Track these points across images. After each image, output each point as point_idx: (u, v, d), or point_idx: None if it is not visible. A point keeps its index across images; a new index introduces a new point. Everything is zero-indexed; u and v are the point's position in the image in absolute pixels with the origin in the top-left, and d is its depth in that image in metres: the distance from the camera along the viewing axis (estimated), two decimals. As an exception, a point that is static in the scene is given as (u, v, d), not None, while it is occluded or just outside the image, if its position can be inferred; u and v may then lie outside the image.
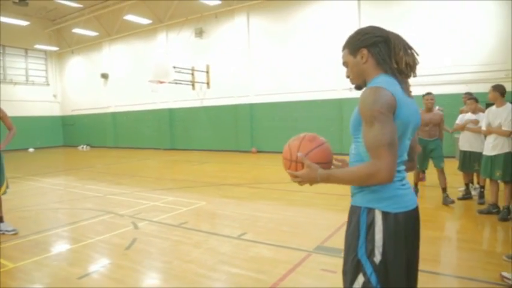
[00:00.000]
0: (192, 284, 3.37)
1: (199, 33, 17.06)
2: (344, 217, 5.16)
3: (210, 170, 11.18)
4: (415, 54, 1.65)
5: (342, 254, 1.73)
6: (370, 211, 1.58)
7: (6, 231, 5.10)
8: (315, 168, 1.59)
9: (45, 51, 24.13)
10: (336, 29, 12.87)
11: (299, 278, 3.39)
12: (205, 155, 15.49)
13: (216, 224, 5.36)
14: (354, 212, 1.65)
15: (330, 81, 13.39)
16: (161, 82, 15.23)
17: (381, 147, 1.45)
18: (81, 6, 19.63)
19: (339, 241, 4.22)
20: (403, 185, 1.63)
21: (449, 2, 11.46)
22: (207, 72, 17.03)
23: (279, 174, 9.94)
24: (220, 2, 15.64)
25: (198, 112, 17.66)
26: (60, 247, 4.59)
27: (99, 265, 3.91)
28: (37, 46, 22.63)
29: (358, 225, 1.61)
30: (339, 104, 13.31)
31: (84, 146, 22.37)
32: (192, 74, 17.16)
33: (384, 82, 1.55)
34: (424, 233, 4.61)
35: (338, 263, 3.65)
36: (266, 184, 8.32)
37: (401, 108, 1.51)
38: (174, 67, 15.61)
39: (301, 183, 1.66)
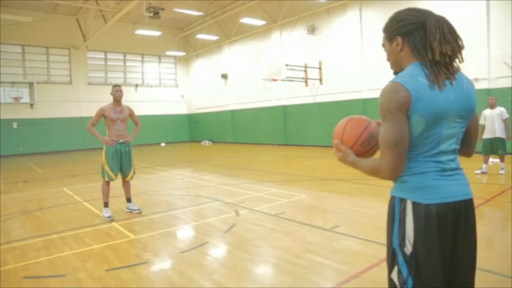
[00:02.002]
0: (275, 267, 3.59)
1: (312, 30, 17.18)
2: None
3: (319, 165, 11.27)
4: (457, 41, 1.53)
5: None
6: (403, 201, 1.57)
7: (133, 210, 6.03)
8: (348, 153, 1.70)
9: (174, 57, 27.05)
10: (458, 20, 11.75)
11: (381, 273, 3.34)
12: (317, 151, 15.59)
13: (311, 215, 5.48)
14: (391, 201, 1.66)
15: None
16: (274, 80, 15.80)
17: (386, 147, 1.49)
18: (202, 13, 21.45)
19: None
20: (446, 175, 1.55)
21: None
22: (320, 68, 17.06)
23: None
24: (332, -3, 15.53)
25: (311, 108, 17.81)
26: (172, 226, 5.25)
27: (200, 243, 4.38)
28: (168, 52, 25.58)
29: (393, 214, 1.61)
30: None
31: (207, 142, 24.44)
32: (305, 71, 17.38)
33: (406, 76, 1.51)
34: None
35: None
36: (372, 180, 8.08)
37: (419, 102, 1.45)
38: (287, 65, 16.02)
39: (339, 159, 1.77)
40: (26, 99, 20.68)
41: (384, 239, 4.14)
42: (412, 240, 1.51)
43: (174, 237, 4.73)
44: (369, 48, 15.04)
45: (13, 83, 20.46)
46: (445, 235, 1.51)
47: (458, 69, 1.57)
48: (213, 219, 5.43)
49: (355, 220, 5.08)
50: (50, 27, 21.33)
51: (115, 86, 5.87)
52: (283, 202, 6.33)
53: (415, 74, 1.50)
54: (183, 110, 27.60)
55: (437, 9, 1.69)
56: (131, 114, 6.08)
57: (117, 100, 5.83)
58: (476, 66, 11.46)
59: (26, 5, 19.87)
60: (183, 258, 3.94)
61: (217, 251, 4.14)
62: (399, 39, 1.60)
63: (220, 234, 4.69)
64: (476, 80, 11.57)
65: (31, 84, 20.80)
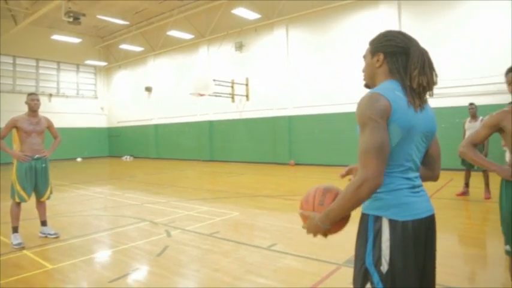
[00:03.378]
0: (218, 292, 3.37)
1: (239, 46, 17.37)
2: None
3: (247, 182, 11.22)
4: (434, 76, 1.59)
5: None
6: (378, 219, 1.55)
7: (49, 234, 5.36)
8: (313, 217, 1.62)
9: (94, 66, 25.52)
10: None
11: (326, 291, 3.30)
12: (243, 167, 15.59)
13: (247, 234, 5.34)
14: (363, 219, 1.62)
15: (370, 93, 13.14)
16: (201, 95, 15.60)
17: (368, 153, 1.44)
18: (127, 23, 20.61)
19: (370, 255, 4.08)
20: (415, 192, 1.59)
21: (464, 15, 11.10)
22: (247, 84, 17.25)
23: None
24: (259, 16, 15.87)
25: (237, 124, 17.87)
26: (96, 251, 4.75)
27: (130, 270, 4.00)
28: (87, 61, 24.04)
29: (366, 232, 1.58)
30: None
31: (128, 157, 23.23)
32: (232, 87, 17.44)
33: (385, 88, 1.54)
34: (466, 250, 4.38)
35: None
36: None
37: (398, 112, 1.48)
38: (214, 80, 15.94)
39: (310, 232, 1.67)
40: None
41: (323, 255, 4.17)
42: (388, 258, 1.49)
43: (99, 264, 4.26)
44: (295, 66, 15.57)
45: None
46: (419, 250, 1.54)
47: (426, 101, 1.64)
48: (143, 241, 5.02)
49: (291, 237, 5.04)
50: None
51: (31, 94, 5.24)
52: (216, 220, 6.11)
53: (393, 88, 1.55)
54: (102, 123, 26.00)
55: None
56: (49, 126, 5.47)
57: (33, 110, 5.20)
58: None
59: None
60: None
61: (151, 277, 3.79)
62: (381, 56, 1.65)
63: (152, 258, 4.33)
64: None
65: None
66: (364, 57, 1.76)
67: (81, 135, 23.66)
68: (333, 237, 4.95)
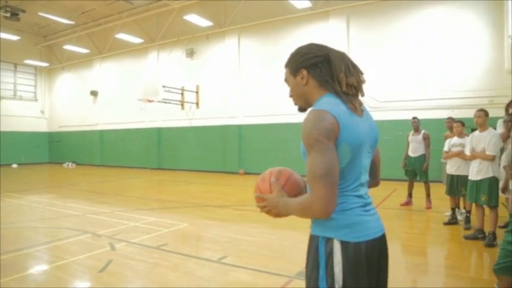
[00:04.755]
0: (165, 310, 3.20)
1: (190, 53, 17.16)
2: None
3: (196, 191, 11.00)
4: (360, 74, 1.56)
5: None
6: (329, 241, 1.47)
7: (-24, 249, 4.87)
8: (282, 195, 1.58)
9: (35, 67, 23.99)
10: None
11: (277, 305, 3.25)
12: (192, 176, 15.31)
13: (197, 246, 5.19)
14: (313, 241, 1.54)
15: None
16: (150, 101, 15.17)
17: (315, 179, 1.36)
18: (73, 23, 19.65)
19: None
20: (366, 210, 1.53)
21: (439, 30, 11.74)
22: (197, 92, 17.03)
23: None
24: (211, 24, 15.79)
25: (187, 132, 17.56)
26: (31, 268, 4.37)
27: (69, 288, 3.71)
28: (27, 61, 22.52)
29: (317, 256, 1.49)
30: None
31: (70, 164, 21.96)
32: (182, 94, 17.13)
33: (327, 104, 1.46)
34: (409, 259, 4.53)
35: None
36: (252, 206, 8.16)
37: (347, 130, 1.41)
38: (164, 86, 15.58)
39: (264, 209, 1.64)
40: None
41: (274, 268, 4.13)
42: (341, 282, 1.44)
43: (34, 283, 3.91)
44: (246, 75, 15.63)
45: None
46: (372, 271, 1.49)
47: (362, 103, 1.59)
48: (84, 256, 4.70)
49: (242, 249, 4.96)
50: None
51: None
52: (164, 232, 5.89)
53: (335, 103, 1.48)
54: (42, 127, 24.40)
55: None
56: None
57: None
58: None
59: None
60: (47, 308, 3.26)
61: (92, 295, 3.54)
62: (304, 72, 1.58)
63: (94, 274, 4.05)
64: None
65: None
66: (286, 80, 1.69)
67: (18, 139, 22.07)
68: (284, 250, 4.96)
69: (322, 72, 1.54)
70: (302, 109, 1.67)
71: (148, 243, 5.24)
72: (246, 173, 15.24)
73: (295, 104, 1.68)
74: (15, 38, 19.80)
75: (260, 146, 15.12)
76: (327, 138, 1.37)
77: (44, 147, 24.28)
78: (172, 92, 16.44)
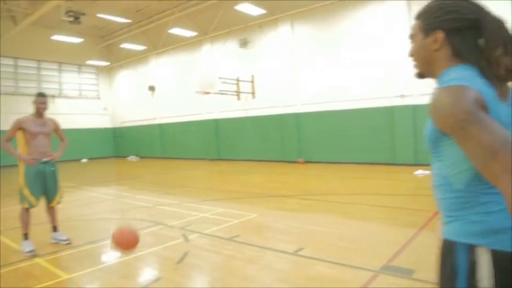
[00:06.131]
0: (250, 304, 3.10)
1: (244, 43, 17.06)
2: (408, 233, 4.67)
3: (258, 181, 10.94)
4: None
5: (414, 276, 1.34)
6: (473, 249, 1.15)
7: (61, 240, 5.10)
8: None
9: (96, 67, 25.20)
10: (384, 34, 12.37)
11: (370, 301, 3.03)
12: (251, 166, 15.32)
13: (270, 238, 5.06)
14: (449, 248, 1.22)
15: (380, 88, 12.82)
16: (207, 93, 15.30)
17: (494, 154, 0.98)
18: (129, 21, 20.30)
19: (407, 260, 3.82)
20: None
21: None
22: (252, 82, 16.94)
23: (330, 185, 9.54)
24: (264, 12, 15.55)
25: (243, 122, 17.57)
26: (112, 259, 4.48)
27: (151, 279, 3.73)
28: (89, 62, 23.73)
29: (455, 267, 1.18)
30: (391, 111, 12.67)
31: (133, 157, 22.96)
32: (237, 85, 17.12)
33: (463, 77, 1.13)
34: None
35: (410, 284, 3.25)
36: (318, 196, 7.94)
37: (492, 107, 1.08)
38: (220, 78, 15.63)
39: None
40: None
41: (356, 261, 3.88)
42: None
43: (117, 273, 3.98)
44: (302, 62, 15.25)
45: None
46: None
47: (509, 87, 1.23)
48: (160, 247, 4.75)
49: (317, 240, 4.76)
50: None
51: (40, 95, 4.95)
52: (234, 223, 5.83)
53: (473, 75, 1.14)
54: (106, 123, 25.70)
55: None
56: (56, 128, 5.22)
57: (40, 113, 4.95)
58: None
59: None
60: (134, 301, 3.28)
61: (175, 288, 3.51)
62: (440, 35, 1.23)
63: (172, 266, 4.05)
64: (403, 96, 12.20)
65: None
66: (412, 36, 1.33)
67: (86, 136, 23.37)
68: (361, 242, 4.68)
69: (465, 40, 1.20)
70: (421, 75, 1.35)
71: (220, 234, 5.20)
72: (306, 162, 14.97)
73: (415, 67, 1.35)
74: (78, 40, 20.88)
75: (320, 134, 14.74)
76: (478, 108, 1.05)
77: (109, 142, 25.57)
78: (227, 83, 16.48)
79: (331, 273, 3.65)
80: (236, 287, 3.41)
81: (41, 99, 4.92)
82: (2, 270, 4.15)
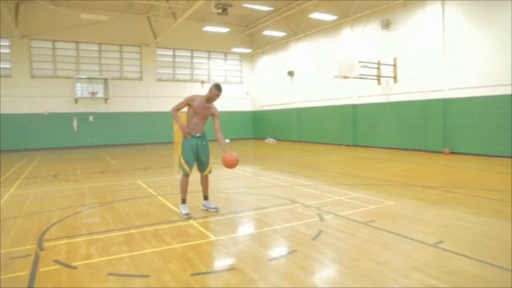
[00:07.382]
0: (382, 285, 3.10)
1: (386, 25, 16.20)
2: None
3: (396, 169, 10.47)
4: None
5: None
6: None
7: (210, 208, 5.82)
8: None
9: (240, 54, 27.06)
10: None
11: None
12: (390, 153, 14.68)
13: (407, 226, 4.88)
14: None
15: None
16: (346, 77, 15.08)
17: None
18: (271, 9, 21.10)
19: None
20: None
21: None
22: (394, 65, 16.04)
23: (479, 179, 8.62)
24: (411, -11, 14.50)
25: (383, 108, 16.83)
26: (253, 228, 4.93)
27: (288, 251, 4.01)
28: (234, 49, 25.68)
29: None
30: None
31: (271, 139, 24.17)
32: (378, 69, 16.43)
33: None
34: None
35: None
36: (464, 189, 7.25)
37: None
38: (359, 62, 15.22)
39: None
40: (101, 94, 21.77)
41: (504, 262, 3.51)
42: None
43: (257, 241, 4.39)
44: (452, 44, 13.79)
45: (90, 78, 21.66)
46: None
47: None
48: (296, 223, 5.02)
49: (459, 235, 4.42)
50: (123, 26, 22.23)
51: (218, 88, 5.54)
52: (370, 208, 5.78)
53: None
54: (247, 107, 27.59)
55: None
56: (214, 115, 5.70)
57: (209, 100, 5.63)
58: None
59: (103, 5, 20.85)
60: (272, 267, 3.58)
61: (310, 262, 3.69)
62: None
63: (308, 241, 4.27)
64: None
65: (105, 80, 21.87)
66: None
67: (229, 118, 25.46)
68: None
69: None
70: None
71: (355, 217, 5.23)
72: (452, 153, 13.68)
73: None
74: (225, 30, 22.84)
75: (469, 122, 13.24)
76: None
77: (249, 124, 27.43)
78: (367, 67, 15.96)
79: (474, 270, 3.39)
80: (369, 269, 3.44)
81: (216, 92, 5.55)
82: (165, 226, 4.99)
